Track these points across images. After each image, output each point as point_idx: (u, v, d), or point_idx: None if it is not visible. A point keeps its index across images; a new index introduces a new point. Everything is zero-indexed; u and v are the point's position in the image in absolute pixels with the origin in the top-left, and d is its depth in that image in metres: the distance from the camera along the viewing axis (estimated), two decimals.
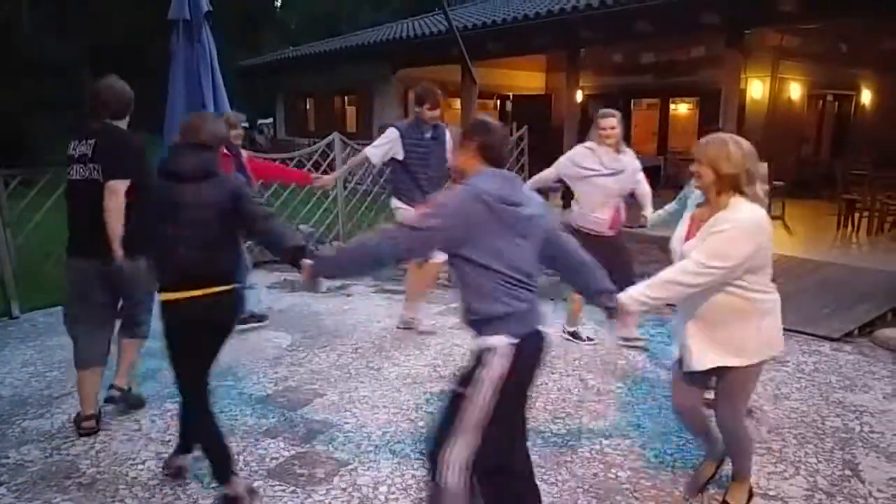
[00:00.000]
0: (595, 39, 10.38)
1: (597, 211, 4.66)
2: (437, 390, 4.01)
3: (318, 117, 18.08)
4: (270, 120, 21.50)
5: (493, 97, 16.03)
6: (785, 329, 5.16)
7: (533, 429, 3.64)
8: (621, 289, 2.63)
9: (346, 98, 17.04)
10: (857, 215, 9.11)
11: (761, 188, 2.64)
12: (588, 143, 4.70)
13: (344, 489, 3.05)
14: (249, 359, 4.67)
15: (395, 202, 5.14)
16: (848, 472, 3.23)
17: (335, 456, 3.34)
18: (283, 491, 3.04)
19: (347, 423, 3.69)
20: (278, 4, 34.78)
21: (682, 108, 13.89)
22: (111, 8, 21.51)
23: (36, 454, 3.35)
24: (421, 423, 3.58)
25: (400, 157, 5.01)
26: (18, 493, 3.02)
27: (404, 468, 3.21)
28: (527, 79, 15.43)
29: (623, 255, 4.71)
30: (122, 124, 3.59)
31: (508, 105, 16.31)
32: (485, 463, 2.30)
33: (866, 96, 13.33)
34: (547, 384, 4.26)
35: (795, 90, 12.32)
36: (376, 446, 3.42)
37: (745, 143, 2.62)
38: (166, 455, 3.25)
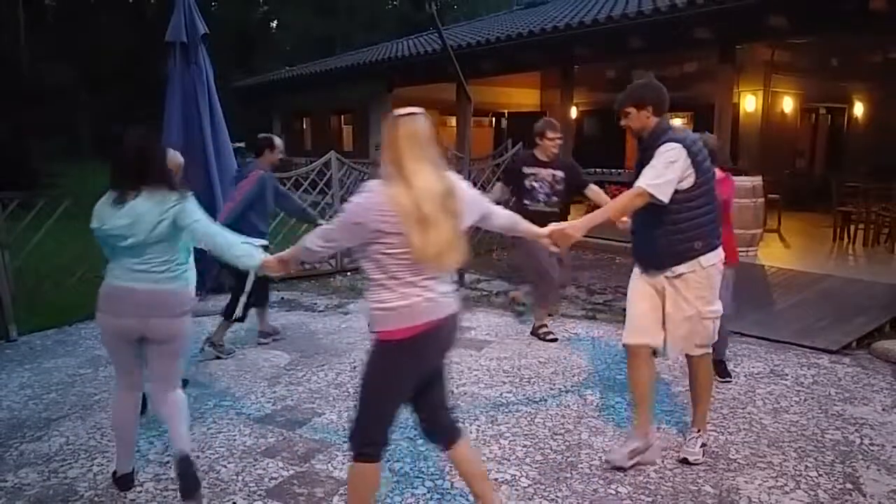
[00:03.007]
0: (588, 56, 10.47)
1: None
2: None
3: (315, 136, 18.19)
4: None
5: (488, 114, 16.13)
6: (783, 342, 5.26)
7: (532, 445, 3.65)
8: None
9: (342, 117, 17.15)
10: (852, 227, 9.15)
11: None
12: None
13: None
14: (247, 378, 4.67)
15: None
16: (849, 486, 3.22)
17: (334, 475, 3.32)
18: None
19: (346, 442, 3.66)
20: (273, 25, 35.14)
21: (676, 123, 13.96)
22: (108, 33, 21.70)
23: (34, 477, 3.33)
24: (420, 442, 3.56)
25: None
26: None
27: (403, 486, 3.19)
28: (521, 96, 15.53)
29: None
30: None
31: (504, 122, 16.41)
32: None
33: (858, 109, 13.43)
34: (546, 400, 4.26)
35: (788, 104, 12.40)
36: None
37: None
38: (165, 477, 3.24)
